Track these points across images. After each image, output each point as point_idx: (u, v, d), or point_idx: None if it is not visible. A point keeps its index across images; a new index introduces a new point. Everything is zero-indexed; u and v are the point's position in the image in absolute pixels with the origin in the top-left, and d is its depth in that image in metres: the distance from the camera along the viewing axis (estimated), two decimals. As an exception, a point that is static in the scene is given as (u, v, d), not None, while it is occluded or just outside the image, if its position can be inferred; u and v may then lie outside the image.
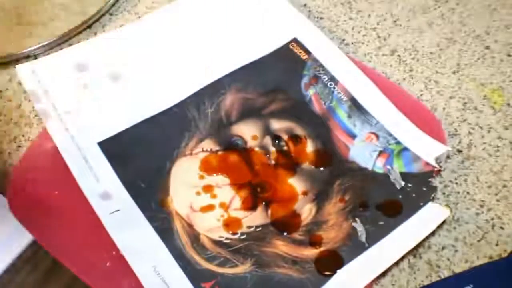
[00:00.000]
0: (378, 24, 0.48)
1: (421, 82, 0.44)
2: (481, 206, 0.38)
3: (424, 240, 0.37)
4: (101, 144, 0.40)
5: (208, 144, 0.40)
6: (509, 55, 0.45)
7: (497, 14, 0.48)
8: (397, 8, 0.49)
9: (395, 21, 0.48)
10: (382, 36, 0.47)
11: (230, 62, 0.44)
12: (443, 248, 0.37)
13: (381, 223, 0.36)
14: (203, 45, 0.40)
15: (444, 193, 0.39)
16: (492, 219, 0.38)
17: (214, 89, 0.42)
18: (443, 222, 0.38)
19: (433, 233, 0.37)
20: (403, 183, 0.38)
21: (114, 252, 0.35)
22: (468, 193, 0.39)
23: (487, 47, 0.46)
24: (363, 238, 0.36)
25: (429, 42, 0.46)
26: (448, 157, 0.40)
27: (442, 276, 0.35)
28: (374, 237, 0.36)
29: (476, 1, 0.49)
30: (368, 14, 0.48)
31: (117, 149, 0.40)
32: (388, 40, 0.47)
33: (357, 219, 0.37)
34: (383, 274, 0.36)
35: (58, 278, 0.36)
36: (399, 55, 0.46)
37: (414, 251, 0.37)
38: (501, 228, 0.37)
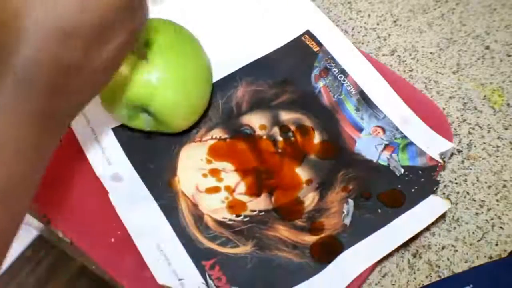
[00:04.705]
0: (378, 24, 0.48)
1: (421, 82, 0.44)
2: (481, 206, 0.38)
3: (424, 240, 0.37)
4: (115, 130, 0.40)
5: (218, 133, 0.40)
6: (509, 55, 0.45)
7: (497, 14, 0.48)
8: (397, 8, 0.49)
9: (395, 21, 0.48)
10: (382, 36, 0.47)
11: (244, 56, 0.44)
12: (443, 248, 0.37)
13: (382, 212, 0.36)
14: (217, 39, 0.39)
15: (444, 193, 0.39)
16: (492, 219, 0.38)
17: (227, 83, 0.43)
18: (443, 222, 0.38)
19: (433, 233, 0.37)
20: (402, 170, 0.38)
21: (119, 232, 0.36)
22: (468, 193, 0.39)
23: (487, 47, 0.46)
24: (347, 220, 0.36)
25: (429, 42, 0.46)
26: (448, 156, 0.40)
27: (442, 276, 0.35)
28: (374, 226, 0.36)
29: (476, 1, 0.49)
30: (368, 14, 0.48)
31: (130, 135, 0.40)
32: (388, 40, 0.47)
33: (349, 200, 0.37)
34: (383, 274, 0.36)
35: (60, 276, 0.36)
36: (399, 55, 0.46)
37: (414, 251, 0.37)
38: (501, 228, 0.37)
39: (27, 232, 0.37)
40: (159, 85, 0.35)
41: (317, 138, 0.40)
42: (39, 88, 0.24)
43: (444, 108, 0.43)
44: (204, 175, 0.38)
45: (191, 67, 0.37)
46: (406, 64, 0.45)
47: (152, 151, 0.40)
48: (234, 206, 0.37)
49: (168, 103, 0.36)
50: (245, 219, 0.37)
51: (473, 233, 0.37)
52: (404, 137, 0.40)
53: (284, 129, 0.41)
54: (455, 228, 0.37)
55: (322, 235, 0.36)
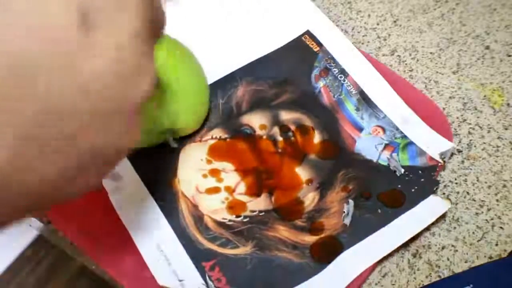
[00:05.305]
0: (378, 24, 0.48)
1: (421, 82, 0.44)
2: (481, 206, 0.38)
3: (424, 240, 0.37)
4: None
5: (218, 132, 0.40)
6: (509, 55, 0.45)
7: (497, 14, 0.48)
8: (397, 8, 0.49)
9: (395, 21, 0.48)
10: (382, 36, 0.47)
11: (244, 56, 0.44)
12: (443, 248, 0.37)
13: (382, 212, 0.37)
14: (218, 38, 0.40)
15: (444, 193, 0.39)
16: (492, 219, 0.38)
17: (227, 82, 0.43)
18: (443, 222, 0.38)
19: (433, 233, 0.37)
20: (402, 170, 0.38)
21: (119, 232, 0.36)
22: (468, 193, 0.39)
23: (487, 47, 0.46)
24: (347, 220, 0.36)
25: (429, 42, 0.46)
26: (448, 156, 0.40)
27: (442, 276, 0.35)
28: (374, 226, 0.36)
29: (476, 1, 0.49)
30: (368, 14, 0.48)
31: None
32: (388, 40, 0.47)
33: (349, 200, 0.37)
34: (383, 274, 0.36)
35: (60, 276, 0.36)
36: (399, 55, 0.46)
37: (414, 251, 0.37)
38: (501, 228, 0.37)
39: (27, 232, 0.37)
40: (179, 109, 0.36)
41: (317, 138, 0.40)
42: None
43: (444, 108, 0.43)
44: (204, 176, 0.39)
45: (194, 81, 0.38)
46: (406, 64, 0.45)
47: (152, 151, 0.40)
48: (234, 206, 0.37)
49: (180, 119, 0.37)
50: (245, 220, 0.37)
51: (473, 233, 0.37)
52: (404, 137, 0.40)
53: (284, 129, 0.41)
54: (455, 228, 0.37)
55: (322, 235, 0.36)
